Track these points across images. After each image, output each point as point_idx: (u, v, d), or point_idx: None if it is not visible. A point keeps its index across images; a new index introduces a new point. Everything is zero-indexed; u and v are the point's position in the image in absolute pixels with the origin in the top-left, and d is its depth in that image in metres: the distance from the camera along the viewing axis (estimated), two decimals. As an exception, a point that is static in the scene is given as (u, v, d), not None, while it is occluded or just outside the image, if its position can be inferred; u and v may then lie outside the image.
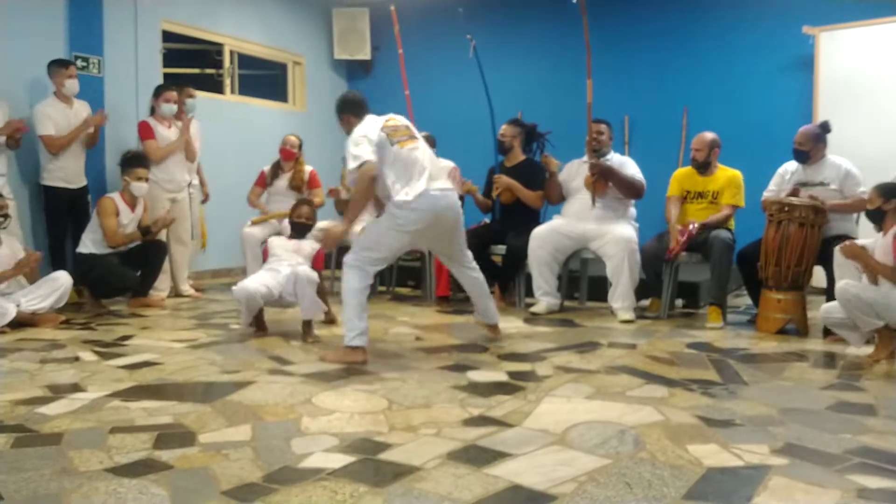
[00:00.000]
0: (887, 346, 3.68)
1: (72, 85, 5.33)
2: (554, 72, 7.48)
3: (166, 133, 5.74)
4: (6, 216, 4.63)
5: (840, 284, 3.77)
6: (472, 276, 4.04)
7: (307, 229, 4.63)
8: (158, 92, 5.80)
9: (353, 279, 3.55)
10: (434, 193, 3.59)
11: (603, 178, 5.03)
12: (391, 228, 3.57)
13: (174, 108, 5.80)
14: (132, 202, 5.30)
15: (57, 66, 5.30)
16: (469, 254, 4.03)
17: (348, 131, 3.72)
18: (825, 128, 4.65)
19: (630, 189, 5.08)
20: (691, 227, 4.75)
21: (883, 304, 3.64)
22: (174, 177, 5.77)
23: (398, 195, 3.54)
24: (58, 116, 5.30)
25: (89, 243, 5.17)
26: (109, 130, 5.81)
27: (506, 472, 2.15)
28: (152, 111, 5.80)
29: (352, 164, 3.55)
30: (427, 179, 3.59)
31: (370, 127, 3.64)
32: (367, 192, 3.57)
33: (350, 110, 3.78)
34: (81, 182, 5.54)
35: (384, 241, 3.60)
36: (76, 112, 5.41)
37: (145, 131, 5.68)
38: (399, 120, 3.79)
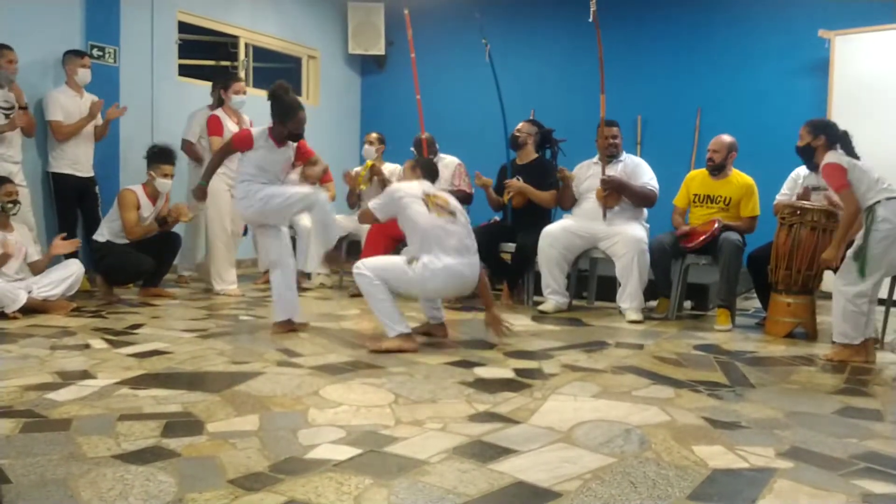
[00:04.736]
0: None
1: (84, 74, 5.38)
2: (566, 72, 7.48)
3: (234, 128, 5.41)
4: (16, 202, 4.67)
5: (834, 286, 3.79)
6: None
7: None
8: (227, 82, 5.65)
9: (379, 284, 3.74)
10: (461, 269, 3.77)
11: (615, 192, 5.04)
12: (416, 283, 3.75)
13: (244, 99, 5.67)
14: (154, 196, 5.31)
15: (72, 55, 5.38)
16: None
17: (410, 176, 4.13)
18: None
19: (643, 200, 5.10)
20: (716, 225, 4.73)
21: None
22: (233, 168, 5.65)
23: (429, 263, 3.71)
24: (68, 104, 5.35)
25: (106, 232, 5.18)
26: (123, 120, 5.84)
27: (511, 468, 2.16)
28: (220, 103, 5.65)
29: (373, 203, 3.96)
30: (457, 253, 3.76)
31: (411, 190, 3.89)
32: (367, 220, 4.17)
33: (425, 170, 4.13)
34: (89, 171, 5.54)
35: (409, 287, 3.80)
36: (85, 102, 5.43)
37: (215, 126, 5.47)
38: (441, 196, 3.95)
